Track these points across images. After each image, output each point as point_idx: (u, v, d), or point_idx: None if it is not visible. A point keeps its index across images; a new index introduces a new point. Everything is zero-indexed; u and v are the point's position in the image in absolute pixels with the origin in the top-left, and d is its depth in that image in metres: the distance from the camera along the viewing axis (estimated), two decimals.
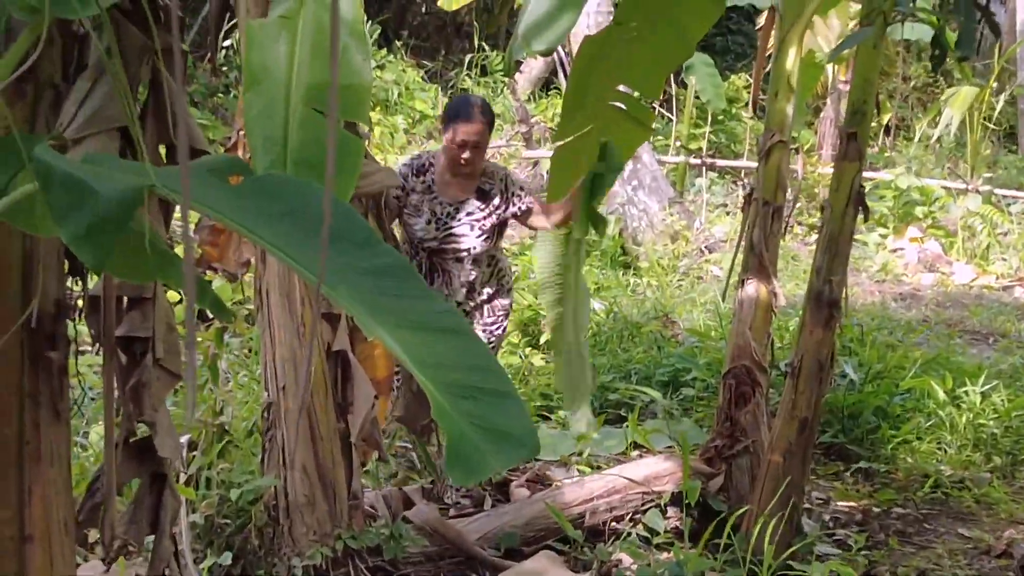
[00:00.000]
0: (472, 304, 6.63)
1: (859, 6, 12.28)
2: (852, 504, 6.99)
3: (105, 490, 3.59)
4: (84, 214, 2.43)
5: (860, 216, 6.06)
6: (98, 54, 3.31)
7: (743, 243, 6.69)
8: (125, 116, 3.31)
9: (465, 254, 6.50)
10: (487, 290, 6.69)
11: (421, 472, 7.05)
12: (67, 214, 2.42)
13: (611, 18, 6.68)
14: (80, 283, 3.58)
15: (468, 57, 19.71)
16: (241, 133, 5.42)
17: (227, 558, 5.59)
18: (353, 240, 2.48)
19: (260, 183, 2.61)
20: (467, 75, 19.45)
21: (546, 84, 19.65)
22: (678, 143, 17.63)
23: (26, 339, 3.27)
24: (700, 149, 17.33)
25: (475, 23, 20.11)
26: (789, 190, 6.88)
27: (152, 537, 3.88)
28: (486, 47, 19.89)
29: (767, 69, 7.43)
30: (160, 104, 3.45)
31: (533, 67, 19.84)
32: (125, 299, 3.58)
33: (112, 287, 3.46)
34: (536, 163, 16.62)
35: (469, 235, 6.47)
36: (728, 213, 15.91)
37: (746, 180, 16.60)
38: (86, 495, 3.71)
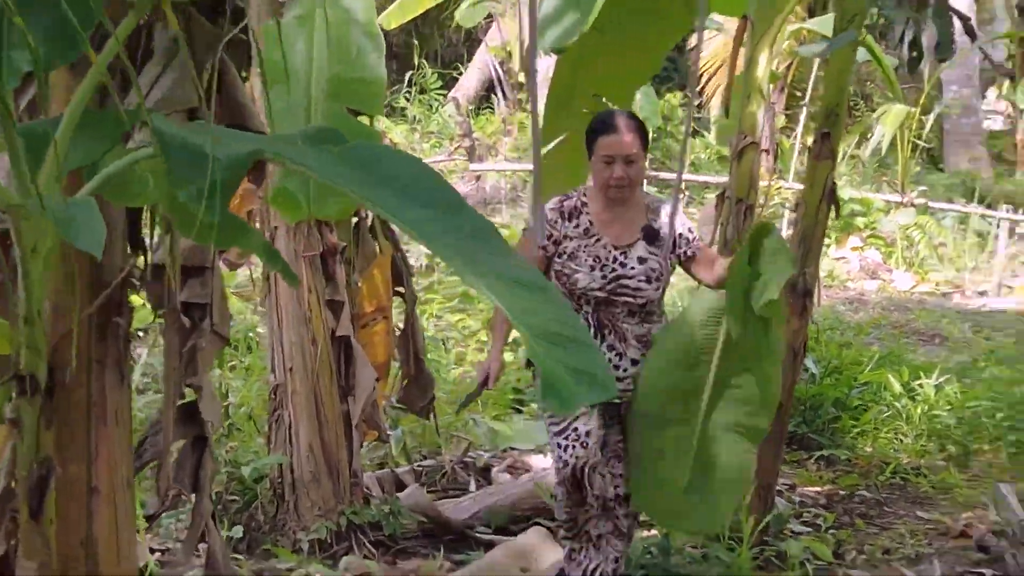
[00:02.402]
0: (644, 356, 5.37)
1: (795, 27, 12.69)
2: (817, 489, 7.24)
3: (162, 445, 3.76)
4: (201, 176, 2.63)
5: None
6: (167, 41, 3.50)
7: (717, 240, 6.91)
8: (193, 98, 3.51)
9: (639, 307, 5.31)
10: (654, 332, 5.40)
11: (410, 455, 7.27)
12: (185, 177, 2.62)
13: None
14: (142, 255, 3.77)
15: (408, 75, 19.83)
16: None
17: (238, 531, 5.79)
18: (448, 205, 2.67)
19: (353, 152, 2.81)
20: (407, 93, 19.60)
21: (480, 102, 19.95)
22: None
23: (97, 314, 3.46)
24: None
25: (415, 43, 20.24)
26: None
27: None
28: (426, 64, 20.09)
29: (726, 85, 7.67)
30: (224, 88, 3.62)
31: (468, 86, 20.13)
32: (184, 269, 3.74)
33: (178, 256, 3.62)
34: (479, 177, 16.82)
35: (645, 286, 5.30)
36: None
37: (687, 193, 16.90)
38: (134, 456, 3.87)
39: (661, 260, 5.30)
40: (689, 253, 5.36)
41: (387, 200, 2.64)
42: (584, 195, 5.37)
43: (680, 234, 5.36)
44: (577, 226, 5.28)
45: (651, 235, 5.31)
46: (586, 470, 5.13)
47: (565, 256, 5.24)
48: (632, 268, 5.25)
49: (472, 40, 21.76)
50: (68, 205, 2.74)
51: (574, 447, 5.12)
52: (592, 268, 5.24)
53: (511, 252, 2.73)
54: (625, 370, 5.29)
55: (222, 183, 2.63)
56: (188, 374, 3.79)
